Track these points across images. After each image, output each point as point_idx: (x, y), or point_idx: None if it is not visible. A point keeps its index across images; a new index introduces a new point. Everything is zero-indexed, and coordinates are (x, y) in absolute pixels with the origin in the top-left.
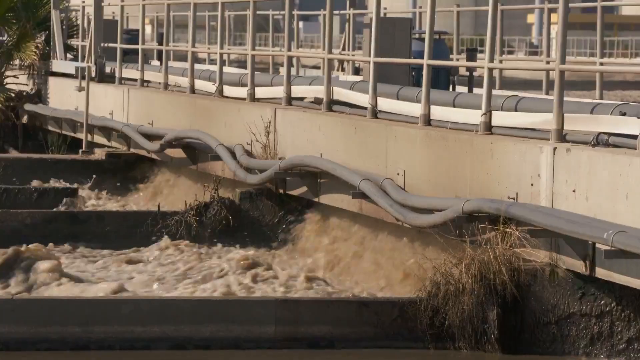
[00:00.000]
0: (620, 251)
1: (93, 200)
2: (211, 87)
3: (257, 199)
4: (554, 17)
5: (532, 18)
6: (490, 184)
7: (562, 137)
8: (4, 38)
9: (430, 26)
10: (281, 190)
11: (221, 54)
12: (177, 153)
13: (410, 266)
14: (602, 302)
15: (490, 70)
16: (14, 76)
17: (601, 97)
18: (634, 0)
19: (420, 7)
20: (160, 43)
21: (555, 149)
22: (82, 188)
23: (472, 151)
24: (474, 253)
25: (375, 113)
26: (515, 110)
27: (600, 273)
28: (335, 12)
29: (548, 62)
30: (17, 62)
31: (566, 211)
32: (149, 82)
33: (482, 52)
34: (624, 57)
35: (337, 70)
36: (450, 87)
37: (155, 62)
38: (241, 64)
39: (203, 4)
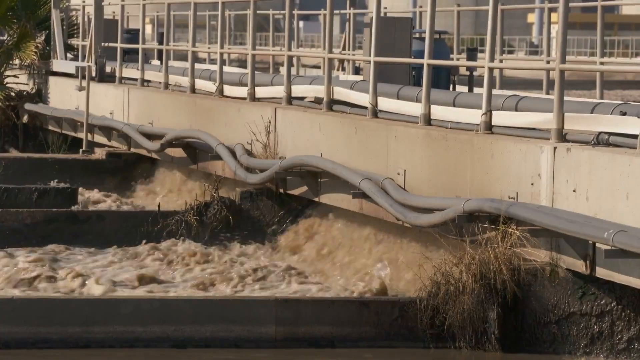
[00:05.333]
0: (621, 251)
1: (93, 199)
2: (211, 86)
3: (258, 198)
4: (554, 17)
5: (532, 18)
6: (491, 183)
7: (562, 136)
8: (4, 38)
9: (431, 26)
10: (281, 190)
11: (221, 54)
12: (178, 153)
13: (410, 266)
14: (603, 301)
15: (491, 69)
16: (14, 76)
17: (601, 97)
18: (634, 0)
19: (421, 7)
20: (160, 43)
21: (555, 148)
22: (82, 188)
23: (473, 151)
24: (474, 252)
25: (375, 113)
26: (516, 109)
27: (601, 273)
28: (335, 11)
29: (548, 62)
30: (17, 61)
31: (566, 211)
32: (149, 81)
33: (482, 51)
34: (624, 57)
35: (338, 69)
36: (451, 86)
37: (156, 62)
38: (241, 63)
39: (203, 4)
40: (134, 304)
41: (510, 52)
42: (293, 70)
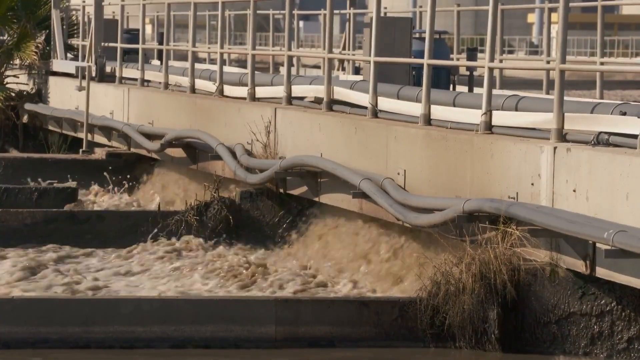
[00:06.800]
0: (621, 251)
1: (93, 199)
2: (211, 86)
3: (258, 198)
4: (554, 17)
5: (532, 18)
6: (491, 183)
7: (562, 136)
8: (4, 37)
9: (431, 26)
10: (281, 190)
11: (221, 54)
12: (178, 153)
13: (410, 266)
14: (603, 301)
15: (491, 69)
16: (14, 76)
17: (601, 97)
18: (634, 0)
19: (421, 7)
20: (160, 43)
21: (555, 148)
22: (82, 188)
23: (473, 151)
24: (474, 252)
25: (375, 113)
26: (516, 109)
27: (601, 273)
28: (335, 11)
29: (548, 62)
30: (17, 61)
31: (566, 211)
32: (149, 81)
33: (482, 51)
34: (624, 57)
35: (338, 69)
36: (451, 86)
37: (156, 62)
38: (241, 63)
39: (203, 4)
40: (134, 304)
41: (510, 52)
42: (293, 70)
